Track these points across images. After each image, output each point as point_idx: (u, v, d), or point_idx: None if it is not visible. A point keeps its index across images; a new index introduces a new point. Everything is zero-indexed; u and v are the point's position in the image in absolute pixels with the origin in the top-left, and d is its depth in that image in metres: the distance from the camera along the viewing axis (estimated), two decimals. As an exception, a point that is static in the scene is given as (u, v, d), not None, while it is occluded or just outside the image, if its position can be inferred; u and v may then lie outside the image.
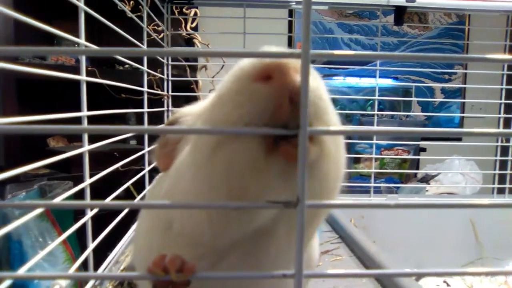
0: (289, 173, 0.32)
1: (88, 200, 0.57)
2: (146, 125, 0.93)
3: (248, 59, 0.34)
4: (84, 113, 0.57)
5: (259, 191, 0.32)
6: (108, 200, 0.66)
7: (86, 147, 0.56)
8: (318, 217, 0.39)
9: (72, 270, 0.54)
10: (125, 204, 0.32)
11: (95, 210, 0.59)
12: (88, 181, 0.56)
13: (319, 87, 0.35)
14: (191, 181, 0.36)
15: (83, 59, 0.58)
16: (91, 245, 0.56)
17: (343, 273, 0.31)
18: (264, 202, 0.36)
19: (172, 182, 0.40)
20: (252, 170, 0.32)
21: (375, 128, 0.52)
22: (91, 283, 0.58)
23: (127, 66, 2.06)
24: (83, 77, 0.58)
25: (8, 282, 0.36)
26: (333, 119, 0.36)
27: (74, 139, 1.94)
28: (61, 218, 1.34)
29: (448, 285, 1.14)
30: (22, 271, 0.41)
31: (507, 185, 1.35)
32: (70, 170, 1.67)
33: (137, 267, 0.46)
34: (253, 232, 0.35)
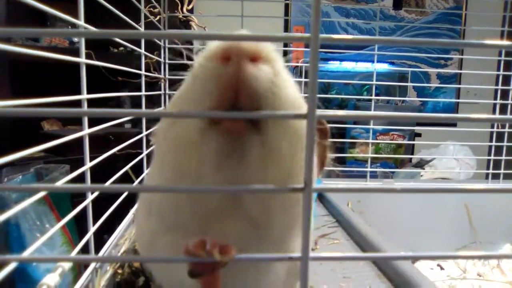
0: (227, 150, 0.33)
1: (88, 184, 0.56)
2: (143, 109, 0.92)
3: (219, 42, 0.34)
4: (84, 96, 0.56)
5: (203, 167, 0.33)
6: (108, 183, 0.65)
7: (86, 131, 0.55)
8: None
9: (74, 253, 0.54)
10: (125, 188, 0.32)
11: (96, 194, 0.58)
12: (88, 164, 0.55)
13: (279, 74, 0.34)
14: (155, 161, 0.39)
15: (82, 42, 0.57)
16: (92, 229, 0.56)
17: (346, 256, 0.32)
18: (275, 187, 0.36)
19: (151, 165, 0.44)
20: (192, 145, 0.33)
21: (372, 112, 0.52)
22: (92, 265, 0.58)
23: (121, 48, 2.03)
24: (82, 60, 0.57)
25: (13, 265, 0.36)
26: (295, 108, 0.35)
27: (69, 122, 1.92)
28: (58, 201, 1.33)
29: (442, 268, 1.16)
30: (25, 254, 0.41)
31: (502, 171, 1.37)
32: (65, 154, 1.66)
33: (141, 250, 0.47)
34: (217, 213, 0.35)
